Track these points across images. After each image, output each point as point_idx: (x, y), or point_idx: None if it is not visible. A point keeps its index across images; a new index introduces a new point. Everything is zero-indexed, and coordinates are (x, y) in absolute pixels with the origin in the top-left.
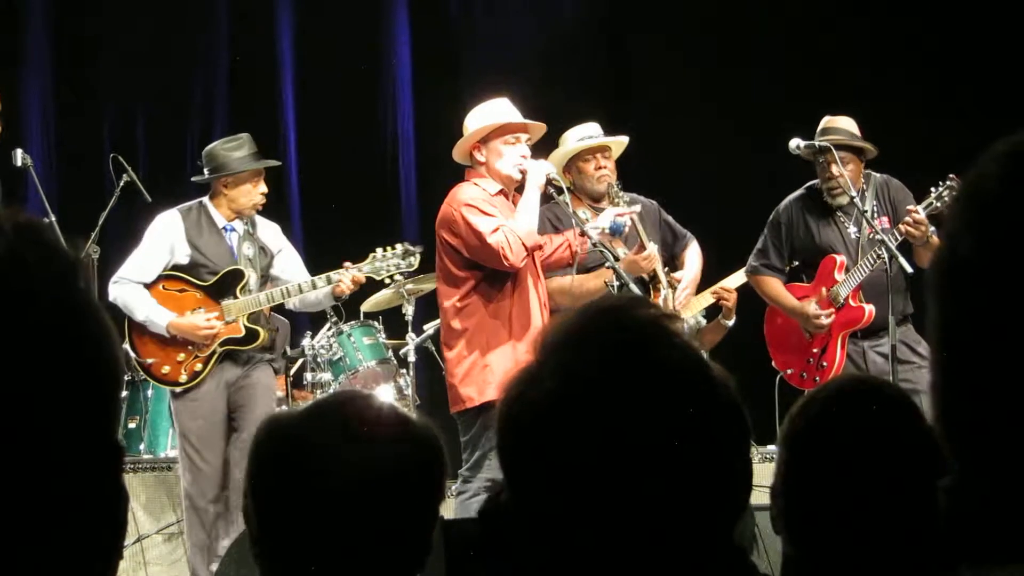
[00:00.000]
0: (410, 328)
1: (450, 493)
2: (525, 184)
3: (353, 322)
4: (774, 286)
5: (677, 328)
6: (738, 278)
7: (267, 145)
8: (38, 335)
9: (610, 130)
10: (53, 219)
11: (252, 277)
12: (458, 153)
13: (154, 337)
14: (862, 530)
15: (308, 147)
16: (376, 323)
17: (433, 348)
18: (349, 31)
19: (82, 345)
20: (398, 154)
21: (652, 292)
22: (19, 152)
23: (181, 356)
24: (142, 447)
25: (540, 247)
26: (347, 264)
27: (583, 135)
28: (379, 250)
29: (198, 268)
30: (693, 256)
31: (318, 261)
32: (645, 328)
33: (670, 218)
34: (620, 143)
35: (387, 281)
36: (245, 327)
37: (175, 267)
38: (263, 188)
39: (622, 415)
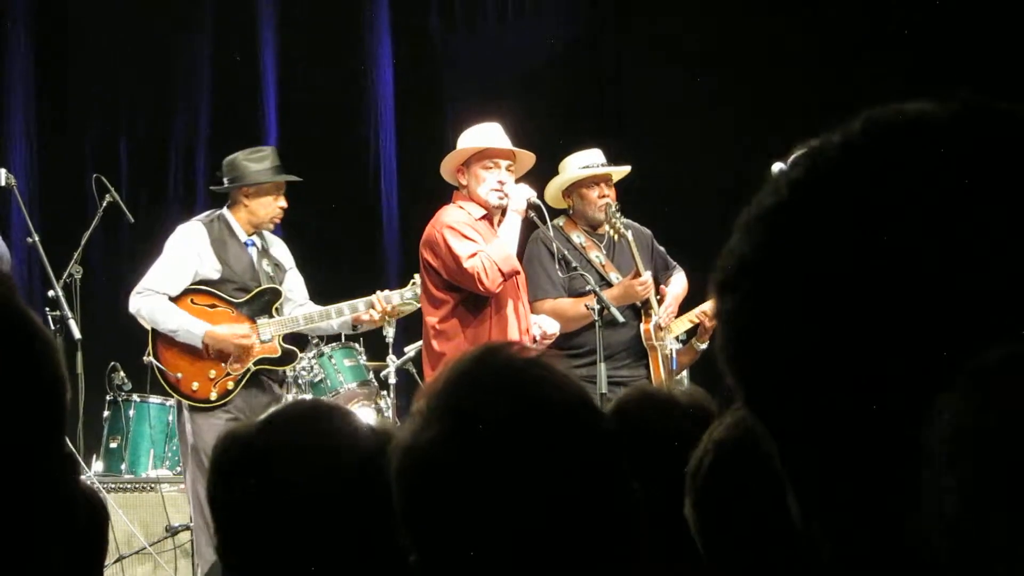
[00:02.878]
0: (391, 350)
1: None
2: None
3: (334, 344)
4: None
5: (556, 365)
6: None
7: None
8: None
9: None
10: (36, 239)
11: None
12: (445, 174)
13: (183, 350)
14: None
15: (290, 168)
16: (357, 345)
17: (414, 370)
18: (331, 51)
19: (20, 354)
20: (380, 174)
21: (644, 318)
22: (3, 172)
23: (213, 372)
24: (123, 467)
25: (518, 272)
26: (385, 293)
27: (587, 162)
28: (417, 276)
29: (226, 284)
30: (678, 279)
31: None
32: (524, 367)
33: (662, 249)
34: (621, 171)
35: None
36: (281, 347)
37: (202, 281)
38: (283, 203)
39: (506, 451)
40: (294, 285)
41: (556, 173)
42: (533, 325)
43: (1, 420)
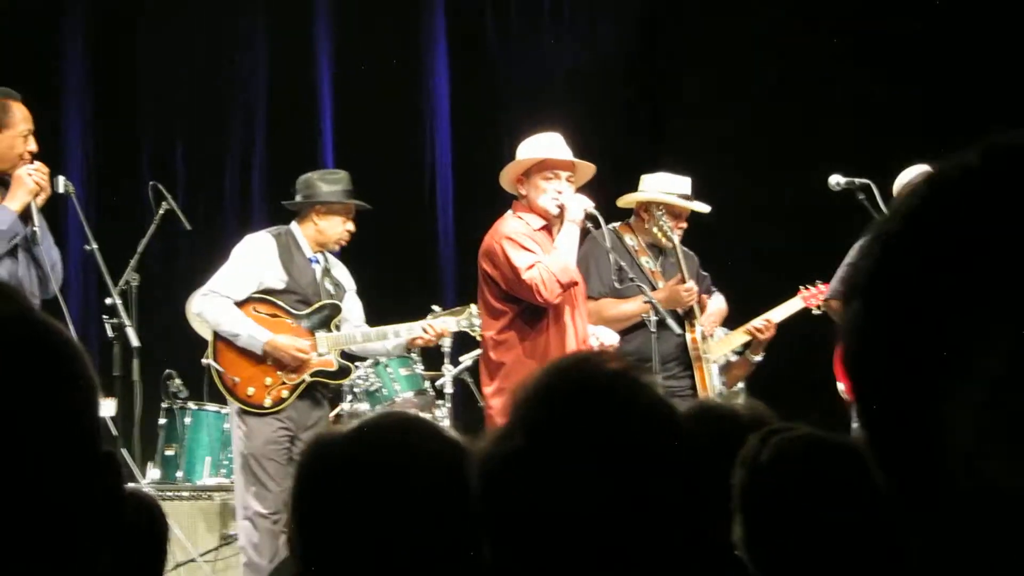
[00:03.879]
0: (447, 360)
1: None
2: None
3: None
4: None
5: (645, 378)
6: (783, 311)
7: None
8: (7, 352)
9: (648, 165)
10: (95, 246)
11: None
12: (504, 184)
13: (242, 355)
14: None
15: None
16: (413, 354)
17: (470, 380)
18: (388, 64)
19: (38, 363)
20: (436, 184)
21: (688, 327)
22: (61, 179)
23: (269, 380)
24: (179, 475)
25: (575, 283)
26: (441, 319)
27: (675, 190)
28: (474, 305)
29: (289, 295)
30: (717, 298)
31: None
32: (610, 380)
33: (706, 274)
34: (701, 209)
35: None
36: (337, 361)
37: (266, 291)
38: (351, 226)
39: (587, 461)
40: (353, 307)
41: (614, 180)
42: (591, 336)
43: (23, 425)
